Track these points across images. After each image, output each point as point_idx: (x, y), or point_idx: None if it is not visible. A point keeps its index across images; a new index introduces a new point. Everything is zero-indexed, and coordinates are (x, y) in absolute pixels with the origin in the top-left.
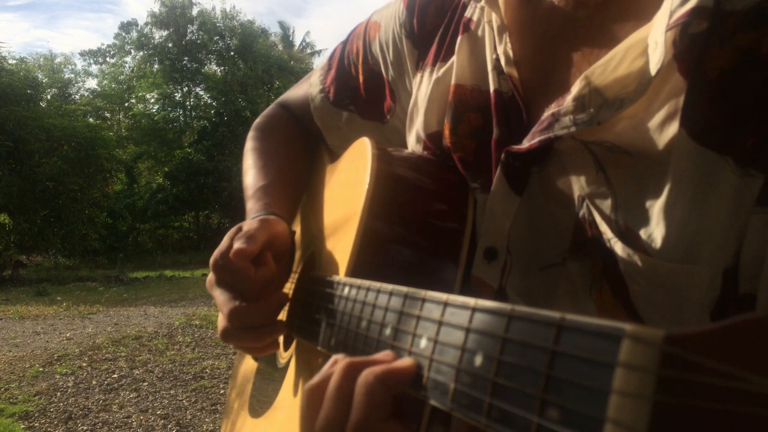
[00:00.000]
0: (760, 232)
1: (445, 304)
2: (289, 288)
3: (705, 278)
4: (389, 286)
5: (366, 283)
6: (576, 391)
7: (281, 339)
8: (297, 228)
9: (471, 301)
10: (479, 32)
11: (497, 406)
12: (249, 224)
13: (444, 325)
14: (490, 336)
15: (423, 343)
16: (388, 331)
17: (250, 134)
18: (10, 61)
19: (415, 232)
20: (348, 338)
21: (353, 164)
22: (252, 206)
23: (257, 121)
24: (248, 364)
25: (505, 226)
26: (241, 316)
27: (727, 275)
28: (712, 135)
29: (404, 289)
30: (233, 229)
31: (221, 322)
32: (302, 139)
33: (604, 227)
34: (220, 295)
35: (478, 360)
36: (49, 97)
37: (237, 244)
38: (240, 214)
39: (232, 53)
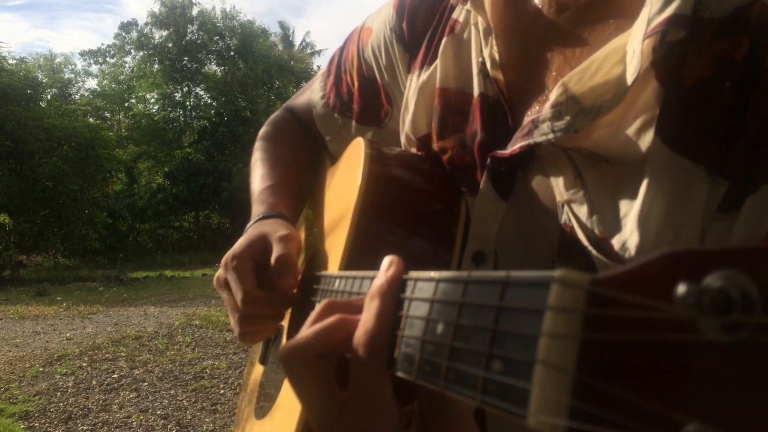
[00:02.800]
0: (717, 238)
1: (416, 281)
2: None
3: None
4: (371, 273)
5: (352, 273)
6: (515, 341)
7: (284, 340)
8: (302, 232)
9: (435, 274)
10: (464, 34)
11: (453, 367)
12: (272, 229)
13: (414, 300)
14: (450, 303)
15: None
16: None
17: (256, 145)
18: (10, 61)
19: (407, 232)
20: None
21: (349, 165)
22: (257, 208)
23: (263, 130)
24: (257, 371)
25: (492, 230)
26: (249, 320)
27: None
28: (687, 143)
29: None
30: (255, 237)
31: (234, 325)
32: (307, 143)
33: (580, 234)
34: (227, 299)
35: (440, 328)
36: (49, 97)
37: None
38: (240, 215)
39: (232, 53)
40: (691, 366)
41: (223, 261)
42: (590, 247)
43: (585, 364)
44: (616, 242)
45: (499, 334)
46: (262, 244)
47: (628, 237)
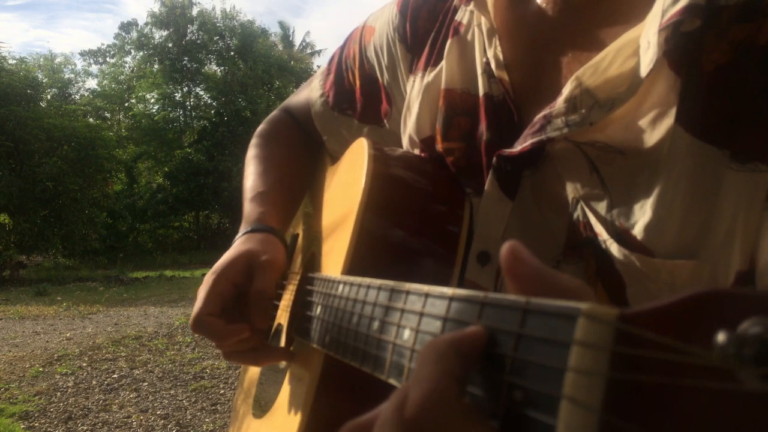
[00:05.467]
0: None
1: (426, 295)
2: (291, 290)
3: (706, 275)
4: (378, 281)
5: (357, 279)
6: (537, 372)
7: (282, 340)
8: (299, 230)
9: (449, 290)
10: (468, 36)
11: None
12: (258, 249)
13: (425, 315)
14: (465, 324)
15: (406, 334)
16: (375, 325)
17: (253, 141)
18: (10, 61)
19: (411, 233)
20: (340, 334)
21: (351, 165)
22: (248, 213)
23: (260, 127)
24: (254, 369)
25: (498, 230)
26: (228, 344)
27: (743, 279)
28: (710, 129)
29: (390, 283)
30: (239, 254)
31: (219, 347)
32: (304, 144)
33: (599, 228)
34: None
35: None
36: (49, 97)
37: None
38: (240, 215)
39: (232, 53)
40: (725, 413)
41: (206, 276)
42: (611, 240)
43: (611, 403)
44: (639, 233)
45: (519, 362)
46: (246, 264)
47: (651, 227)
